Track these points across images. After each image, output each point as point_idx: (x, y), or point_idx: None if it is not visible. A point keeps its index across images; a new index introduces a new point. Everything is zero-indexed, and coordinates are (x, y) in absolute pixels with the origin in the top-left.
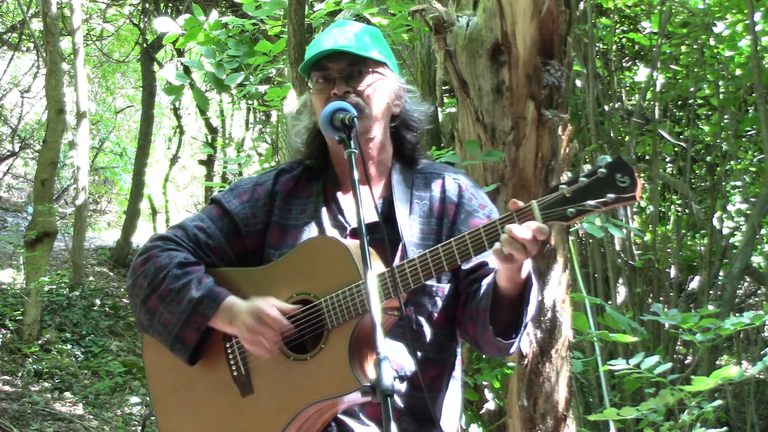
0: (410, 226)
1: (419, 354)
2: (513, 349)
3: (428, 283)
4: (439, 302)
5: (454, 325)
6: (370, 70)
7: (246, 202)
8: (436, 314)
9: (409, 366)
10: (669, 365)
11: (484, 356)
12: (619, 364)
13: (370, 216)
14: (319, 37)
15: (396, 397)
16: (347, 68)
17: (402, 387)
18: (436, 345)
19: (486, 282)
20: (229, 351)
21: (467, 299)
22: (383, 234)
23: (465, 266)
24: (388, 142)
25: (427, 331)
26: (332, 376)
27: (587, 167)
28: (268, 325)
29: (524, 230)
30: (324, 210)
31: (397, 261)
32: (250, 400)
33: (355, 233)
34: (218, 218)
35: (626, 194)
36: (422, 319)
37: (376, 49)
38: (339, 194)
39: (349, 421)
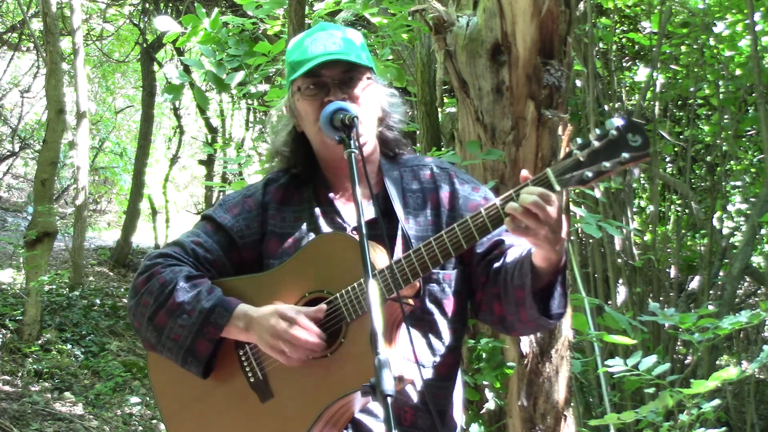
0: (407, 220)
1: (435, 343)
2: (555, 324)
3: (434, 270)
4: (448, 289)
5: (465, 313)
6: (362, 76)
7: (238, 215)
8: (445, 301)
9: (428, 358)
10: (667, 366)
11: (484, 356)
12: (617, 365)
13: (368, 213)
14: (302, 41)
15: (411, 394)
16: (341, 75)
17: (419, 380)
18: (451, 333)
19: (512, 259)
20: (243, 358)
21: (486, 280)
22: (383, 229)
23: (479, 249)
24: (376, 142)
25: (440, 318)
26: (355, 369)
27: (597, 131)
28: (304, 330)
29: (529, 196)
30: (319, 213)
31: (399, 253)
32: (271, 405)
33: (355, 232)
34: (213, 233)
35: (640, 152)
36: (432, 307)
37: (364, 54)
38: (332, 196)
39: (365, 419)
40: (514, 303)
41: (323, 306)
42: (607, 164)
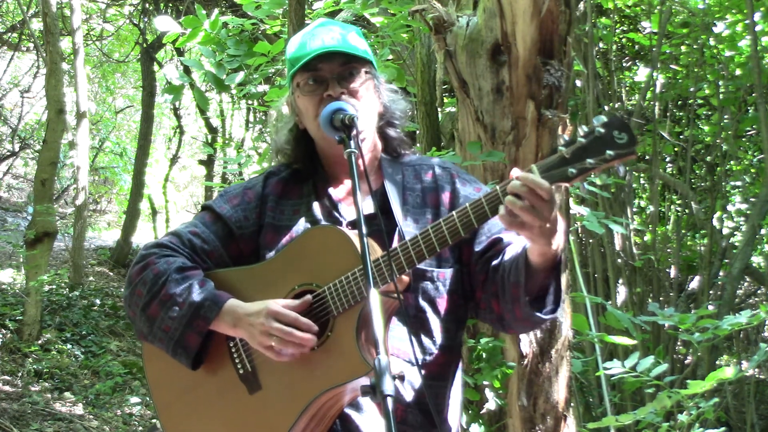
0: (405, 218)
1: (425, 341)
2: (548, 320)
3: (427, 268)
4: (441, 288)
5: (461, 312)
6: (361, 69)
7: (237, 206)
8: (439, 300)
9: (418, 354)
10: (665, 367)
11: (484, 356)
12: (616, 367)
13: (366, 208)
14: (302, 38)
15: (402, 391)
16: (339, 68)
17: (411, 377)
18: (444, 332)
19: (509, 257)
20: (233, 350)
21: (486, 279)
22: (380, 225)
23: (477, 248)
24: (377, 139)
25: (432, 317)
26: (341, 363)
27: (584, 128)
28: (286, 324)
29: (522, 186)
30: (317, 207)
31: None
32: (259, 397)
33: (351, 226)
34: (211, 223)
35: (625, 150)
36: (426, 305)
37: (364, 49)
38: (330, 190)
39: (352, 414)
40: (510, 300)
41: (308, 297)
42: (591, 161)
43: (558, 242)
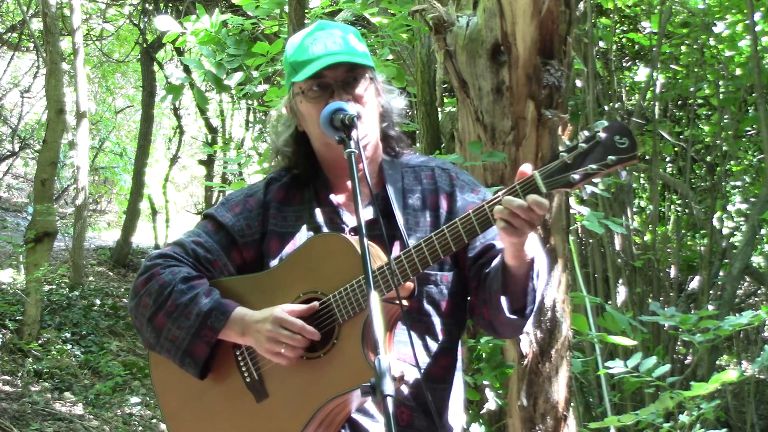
0: (406, 220)
1: (431, 344)
2: (527, 327)
3: (430, 272)
4: (444, 290)
5: (461, 314)
6: (365, 74)
7: (239, 214)
8: (443, 303)
9: (422, 358)
10: (668, 367)
11: (484, 356)
12: (618, 366)
13: (368, 213)
14: (302, 41)
15: (407, 394)
16: (344, 75)
17: (414, 381)
18: (446, 334)
19: (494, 264)
20: (239, 358)
21: (479, 285)
22: (382, 230)
23: (471, 253)
24: (379, 141)
25: (436, 320)
26: (348, 370)
27: (585, 133)
28: (292, 332)
29: (519, 201)
30: (320, 214)
31: (396, 254)
32: (266, 405)
33: (354, 232)
34: (214, 232)
35: (627, 155)
36: (430, 309)
37: (364, 51)
38: (332, 196)
39: (361, 419)
40: (495, 307)
41: (315, 304)
42: (593, 167)
43: (533, 246)
